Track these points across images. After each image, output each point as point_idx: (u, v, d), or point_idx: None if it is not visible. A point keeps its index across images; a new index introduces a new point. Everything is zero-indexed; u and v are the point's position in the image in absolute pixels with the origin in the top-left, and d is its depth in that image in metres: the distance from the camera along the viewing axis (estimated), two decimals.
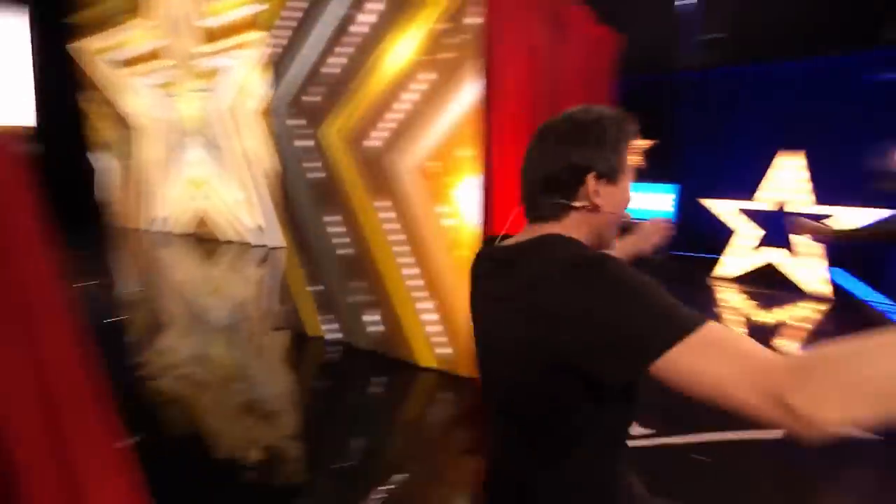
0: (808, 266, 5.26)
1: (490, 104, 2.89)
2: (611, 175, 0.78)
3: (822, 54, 5.98)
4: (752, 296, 5.27)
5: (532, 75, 3.00)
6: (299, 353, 3.85)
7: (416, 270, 3.34)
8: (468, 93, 2.86)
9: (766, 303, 5.02)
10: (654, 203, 7.18)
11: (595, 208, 0.77)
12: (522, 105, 2.97)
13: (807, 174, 5.28)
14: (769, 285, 5.53)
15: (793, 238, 5.44)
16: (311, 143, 3.69)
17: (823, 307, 4.88)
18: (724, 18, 6.86)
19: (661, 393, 0.76)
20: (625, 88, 7.32)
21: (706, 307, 4.99)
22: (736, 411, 0.51)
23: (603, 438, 0.73)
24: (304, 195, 3.83)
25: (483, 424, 2.57)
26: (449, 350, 3.26)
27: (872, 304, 4.98)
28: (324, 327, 3.94)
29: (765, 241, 6.06)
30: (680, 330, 0.55)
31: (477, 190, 2.94)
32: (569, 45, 3.69)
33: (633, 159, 0.81)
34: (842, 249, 5.82)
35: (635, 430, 2.35)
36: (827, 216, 5.03)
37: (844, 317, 4.62)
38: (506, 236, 0.87)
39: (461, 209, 3.02)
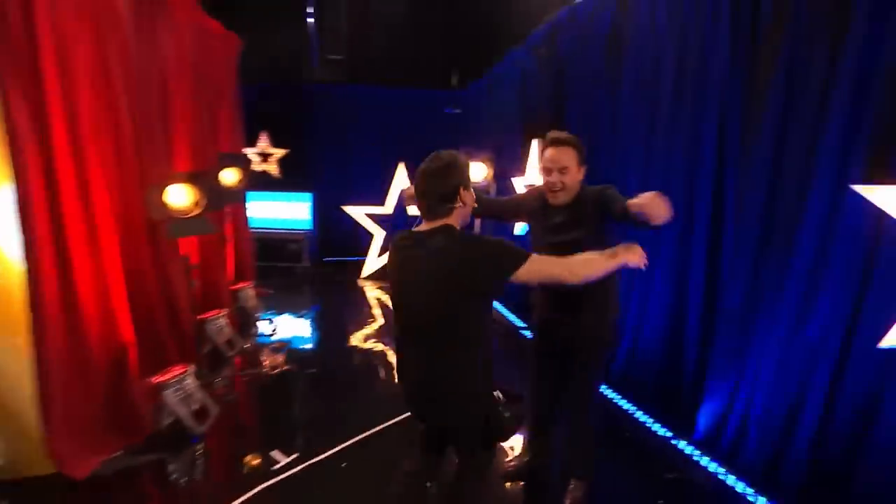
0: None
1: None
2: (467, 187, 1.52)
3: (415, 87, 7.92)
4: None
5: (102, 63, 2.56)
6: None
7: None
8: None
9: None
10: (291, 212, 7.51)
11: (464, 206, 1.52)
12: (98, 95, 2.51)
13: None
14: None
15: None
16: None
17: None
18: (341, 42, 8.00)
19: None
20: (257, 95, 7.42)
21: (357, 306, 5.76)
22: (555, 283, 1.56)
23: (485, 333, 1.54)
24: None
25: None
26: None
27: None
28: None
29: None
30: (522, 256, 1.45)
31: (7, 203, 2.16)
32: (172, 33, 3.38)
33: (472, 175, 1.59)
34: None
35: (280, 458, 2.47)
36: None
37: None
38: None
39: None
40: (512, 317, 5.00)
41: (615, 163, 3.46)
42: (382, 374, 3.75)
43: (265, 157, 7.41)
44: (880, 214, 1.86)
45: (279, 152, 7.41)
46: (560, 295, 2.01)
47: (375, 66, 7.99)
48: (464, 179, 1.51)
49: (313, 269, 7.43)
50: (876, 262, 1.92)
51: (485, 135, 6.39)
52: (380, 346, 4.32)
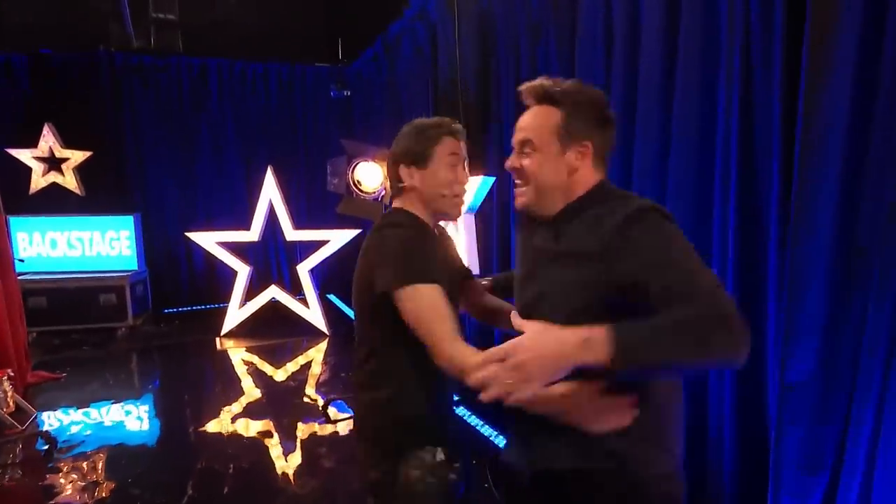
0: (308, 299, 5.89)
1: None
2: (418, 163, 1.43)
3: (287, 62, 7.04)
4: (262, 351, 5.41)
5: None
6: None
7: None
8: None
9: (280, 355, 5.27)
10: (104, 245, 6.16)
11: (412, 188, 1.45)
12: None
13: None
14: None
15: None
16: None
17: (323, 340, 5.63)
18: None
19: None
20: (28, 67, 6.15)
21: (218, 378, 4.76)
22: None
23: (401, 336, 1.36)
24: None
25: None
26: None
27: None
28: None
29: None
30: (411, 279, 1.29)
31: None
32: None
33: (443, 149, 1.44)
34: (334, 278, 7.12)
35: None
36: (322, 242, 5.78)
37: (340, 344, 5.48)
38: None
39: None
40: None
41: None
42: (262, 482, 2.98)
43: (54, 162, 5.96)
44: None
45: (77, 155, 6.00)
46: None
47: (225, 33, 6.97)
48: (406, 153, 1.48)
49: (144, 327, 6.19)
50: None
51: (383, 123, 5.78)
52: (252, 436, 3.51)
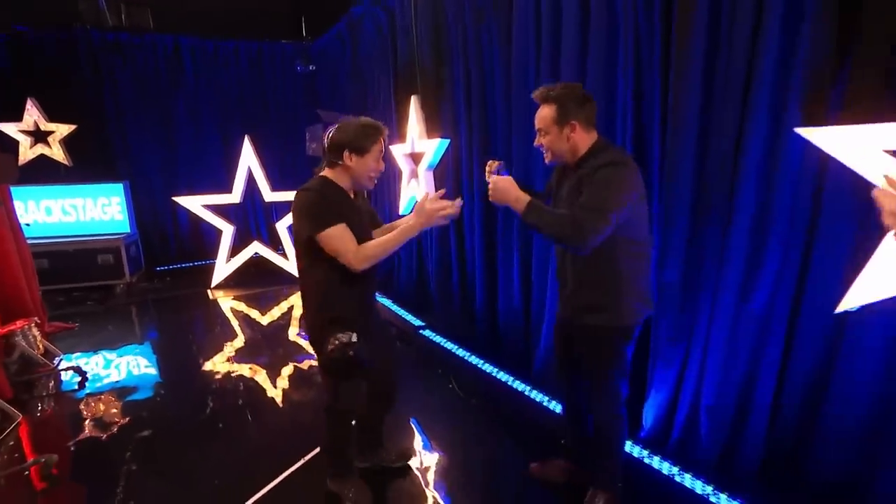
0: (287, 252, 6.12)
1: None
2: (358, 152, 1.90)
3: (255, 39, 6.95)
4: (248, 299, 5.62)
5: None
6: None
7: None
8: None
9: (263, 302, 5.49)
10: (97, 211, 6.12)
11: (347, 167, 1.92)
12: None
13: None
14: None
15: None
16: None
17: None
18: None
19: None
20: (7, 46, 5.95)
21: (210, 324, 4.90)
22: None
23: (323, 268, 1.93)
24: None
25: None
26: None
27: None
28: None
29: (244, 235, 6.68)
30: (322, 225, 1.84)
31: None
32: None
33: (377, 147, 1.94)
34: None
35: None
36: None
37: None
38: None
39: None
40: (409, 316, 4.64)
41: (518, 122, 3.21)
42: (260, 406, 3.12)
43: (40, 135, 5.85)
44: (824, 159, 1.80)
45: (62, 128, 5.87)
46: (565, 287, 1.98)
47: (194, 11, 6.82)
48: (353, 143, 1.88)
49: (140, 283, 6.27)
50: (821, 212, 1.89)
51: (347, 96, 5.85)
52: (247, 371, 3.68)
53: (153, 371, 3.90)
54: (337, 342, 1.90)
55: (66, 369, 3.74)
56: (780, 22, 1.83)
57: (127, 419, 3.09)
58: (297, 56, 6.83)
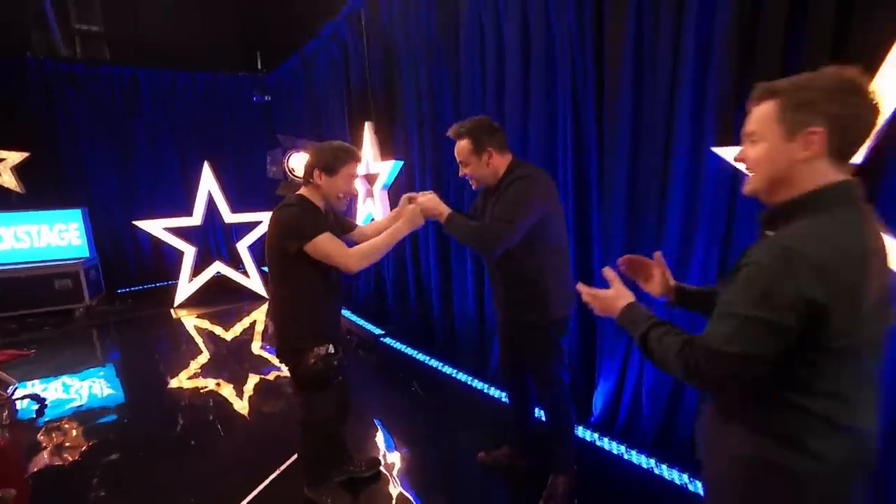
0: (248, 271, 5.80)
1: None
2: (328, 172, 1.81)
3: (211, 71, 6.61)
4: (211, 316, 5.26)
5: None
6: None
7: None
8: None
9: (226, 319, 5.15)
10: (54, 237, 5.51)
11: (318, 186, 1.84)
12: None
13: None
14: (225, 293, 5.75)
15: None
16: None
17: (264, 303, 5.45)
18: (95, 9, 6.13)
19: None
20: None
21: (174, 342, 4.49)
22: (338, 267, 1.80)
23: (300, 281, 1.82)
24: None
25: None
26: None
27: None
28: None
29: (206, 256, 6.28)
30: (309, 235, 1.74)
31: None
32: None
33: (347, 170, 1.84)
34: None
35: None
36: (257, 223, 5.65)
37: None
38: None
39: None
40: (369, 325, 4.49)
41: None
42: (230, 420, 2.85)
43: None
44: (735, 173, 1.90)
45: (14, 156, 5.26)
46: (498, 289, 1.99)
47: (150, 43, 6.39)
48: (323, 162, 1.82)
49: (101, 306, 5.70)
50: (736, 218, 1.98)
51: (303, 123, 5.66)
52: (214, 386, 3.37)
53: (118, 393, 3.49)
54: (319, 355, 1.80)
55: (23, 397, 3.29)
56: (694, 54, 1.92)
57: (91, 444, 2.75)
58: (254, 87, 6.55)
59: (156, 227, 5.46)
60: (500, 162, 1.83)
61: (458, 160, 1.87)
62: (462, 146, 1.84)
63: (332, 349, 1.83)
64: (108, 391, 3.51)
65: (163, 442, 2.75)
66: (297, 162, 4.26)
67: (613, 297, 1.16)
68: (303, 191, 1.86)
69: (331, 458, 2.19)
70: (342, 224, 2.08)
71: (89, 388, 3.54)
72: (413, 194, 1.94)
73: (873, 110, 0.86)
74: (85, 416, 3.09)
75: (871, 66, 1.49)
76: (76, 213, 5.56)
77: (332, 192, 1.84)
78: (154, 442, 2.76)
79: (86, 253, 5.62)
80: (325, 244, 1.74)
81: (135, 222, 5.52)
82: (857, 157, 1.56)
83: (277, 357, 1.92)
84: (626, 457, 2.28)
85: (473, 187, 1.90)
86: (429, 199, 1.87)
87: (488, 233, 1.73)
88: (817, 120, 0.87)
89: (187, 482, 2.35)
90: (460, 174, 1.88)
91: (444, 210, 1.84)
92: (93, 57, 6.07)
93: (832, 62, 1.56)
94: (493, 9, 2.75)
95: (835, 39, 1.61)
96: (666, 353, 0.96)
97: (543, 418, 2.12)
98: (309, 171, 1.83)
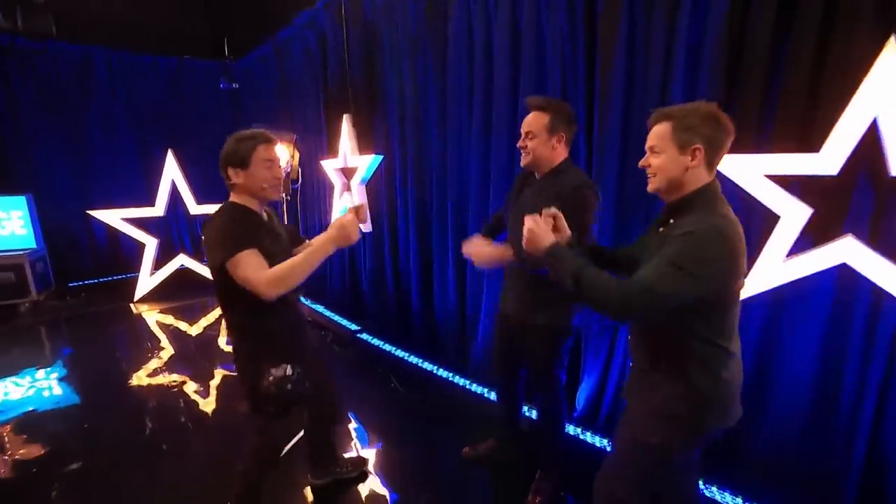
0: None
1: None
2: (240, 166, 1.58)
3: (174, 55, 6.24)
4: (176, 311, 5.00)
5: None
6: None
7: None
8: None
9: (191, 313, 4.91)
10: (2, 216, 5.08)
11: (240, 186, 1.60)
12: None
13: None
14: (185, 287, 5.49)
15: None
16: None
17: None
18: None
19: None
20: None
21: (134, 338, 4.21)
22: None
23: (245, 301, 1.54)
24: None
25: None
26: None
27: None
28: None
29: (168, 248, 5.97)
30: (231, 251, 1.48)
31: None
32: None
33: (259, 156, 1.59)
34: None
35: None
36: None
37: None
38: None
39: None
40: (344, 321, 4.39)
41: (445, 142, 3.17)
42: (203, 418, 2.71)
43: None
44: (722, 179, 1.95)
45: None
46: (516, 288, 1.97)
47: (102, 21, 5.95)
48: (230, 157, 1.59)
49: (49, 301, 5.29)
50: None
51: (275, 112, 5.45)
52: (183, 384, 3.18)
53: (75, 395, 3.24)
54: (272, 377, 1.58)
55: None
56: (685, 59, 1.96)
57: (47, 453, 2.52)
58: (221, 73, 6.24)
59: (113, 218, 5.13)
60: (561, 153, 1.80)
61: (525, 130, 1.79)
62: (539, 119, 1.76)
63: (289, 370, 1.61)
64: (64, 394, 3.25)
65: (131, 447, 2.58)
66: None
67: (545, 231, 1.37)
68: (232, 197, 1.64)
69: (311, 464, 2.14)
70: (293, 234, 1.90)
71: (39, 390, 3.27)
72: (356, 205, 1.69)
73: (730, 133, 1.23)
74: (37, 422, 2.85)
75: (850, 70, 1.57)
76: (20, 201, 5.13)
77: (256, 184, 1.60)
78: (122, 447, 2.58)
79: (32, 243, 5.22)
80: (242, 264, 1.48)
81: (90, 212, 5.14)
82: (833, 169, 1.66)
83: (236, 366, 1.70)
84: (608, 449, 2.33)
85: (523, 163, 1.82)
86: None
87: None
88: (698, 139, 1.21)
89: (163, 487, 2.23)
90: (520, 144, 1.80)
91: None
92: (38, 30, 5.56)
93: (814, 68, 1.67)
94: (483, 2, 2.71)
95: (817, 46, 1.68)
96: (604, 289, 1.19)
97: (534, 414, 2.12)
98: (223, 171, 1.61)
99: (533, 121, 1.78)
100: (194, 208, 5.34)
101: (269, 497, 2.05)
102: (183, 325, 4.58)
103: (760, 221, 1.89)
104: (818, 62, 1.70)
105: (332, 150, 4.32)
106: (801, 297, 1.84)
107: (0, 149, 5.43)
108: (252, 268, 1.49)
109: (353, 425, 2.73)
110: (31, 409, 3.00)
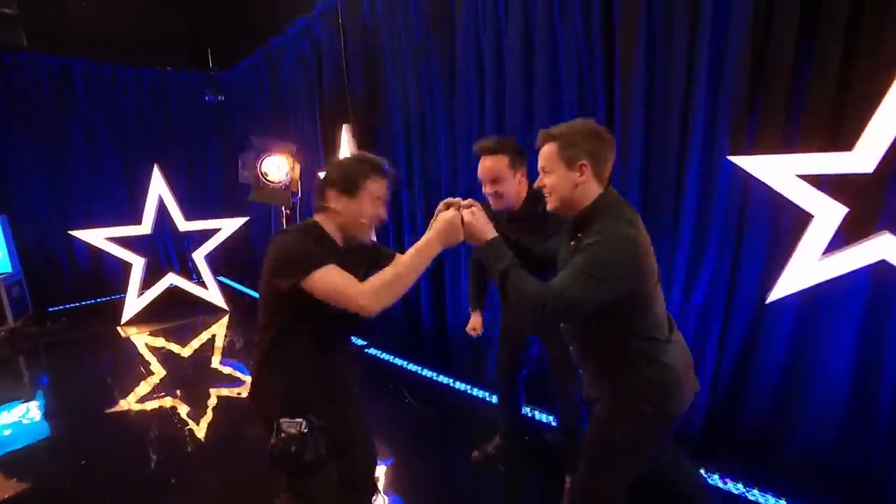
0: (206, 282, 5.34)
1: None
2: (347, 193, 1.40)
3: (155, 66, 6.05)
4: (167, 333, 4.76)
5: None
6: None
7: None
8: None
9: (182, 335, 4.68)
10: None
11: (335, 211, 1.42)
12: None
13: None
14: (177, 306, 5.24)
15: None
16: None
17: (223, 316, 5.11)
18: None
19: None
20: None
21: (122, 363, 3.97)
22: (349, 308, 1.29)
23: (290, 335, 1.41)
24: None
25: None
26: None
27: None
28: None
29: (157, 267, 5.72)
30: (311, 266, 1.28)
31: None
32: None
33: (371, 187, 1.40)
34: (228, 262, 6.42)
35: None
36: (215, 230, 5.19)
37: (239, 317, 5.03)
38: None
39: None
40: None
41: (454, 153, 3.11)
42: (211, 447, 2.55)
43: None
44: (747, 179, 1.95)
45: None
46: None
47: (78, 33, 5.69)
48: (338, 180, 1.42)
49: (27, 328, 4.95)
50: (747, 223, 2.04)
51: (267, 123, 5.31)
52: (183, 410, 2.99)
53: (62, 428, 3.00)
54: (283, 434, 1.33)
55: None
56: (708, 64, 1.96)
57: (34, 494, 2.31)
58: (205, 85, 6.06)
59: (97, 238, 4.87)
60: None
61: (487, 177, 1.81)
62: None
63: (303, 428, 1.34)
64: (51, 427, 3.02)
65: (134, 482, 2.39)
66: (271, 166, 3.95)
67: (485, 223, 1.39)
68: (316, 217, 1.46)
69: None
70: (376, 257, 1.60)
71: (22, 425, 3.02)
72: (452, 199, 1.46)
73: (612, 146, 1.32)
74: (24, 460, 2.62)
75: (880, 69, 1.58)
76: None
77: (354, 217, 1.41)
78: (122, 482, 2.39)
79: (7, 267, 4.93)
80: (330, 278, 1.28)
81: (71, 232, 4.87)
82: (868, 166, 1.66)
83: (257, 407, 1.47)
84: None
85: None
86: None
87: None
88: (583, 155, 1.28)
89: None
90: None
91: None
92: (8, 42, 5.26)
93: (842, 68, 1.68)
94: (493, 7, 2.67)
95: (845, 46, 1.70)
96: (525, 291, 1.25)
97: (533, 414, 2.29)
98: (321, 192, 1.43)
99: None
100: (183, 225, 5.12)
101: None
102: (175, 347, 4.36)
103: (790, 221, 1.89)
104: (846, 62, 1.72)
105: (329, 162, 4.22)
106: (836, 296, 1.84)
107: None
108: (344, 277, 1.29)
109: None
110: (12, 448, 2.76)
